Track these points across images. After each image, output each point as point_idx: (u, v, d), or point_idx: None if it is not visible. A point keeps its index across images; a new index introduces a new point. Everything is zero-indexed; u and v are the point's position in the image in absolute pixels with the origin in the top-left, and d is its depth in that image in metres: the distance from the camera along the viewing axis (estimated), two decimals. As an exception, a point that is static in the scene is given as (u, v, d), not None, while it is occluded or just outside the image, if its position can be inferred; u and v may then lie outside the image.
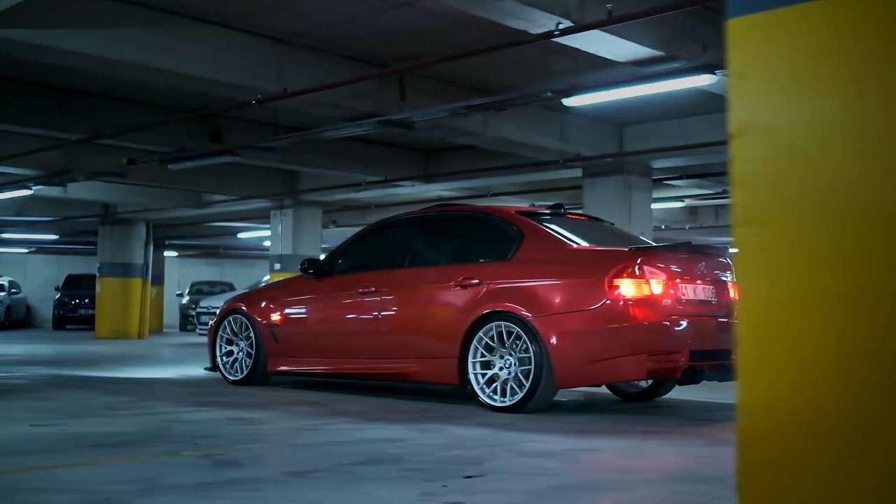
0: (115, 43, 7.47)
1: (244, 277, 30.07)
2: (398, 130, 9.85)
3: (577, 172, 12.82)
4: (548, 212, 6.87)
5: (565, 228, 6.49)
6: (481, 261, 6.58)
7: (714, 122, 10.66)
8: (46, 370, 9.71)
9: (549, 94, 7.78)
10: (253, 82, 8.42)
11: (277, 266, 16.44)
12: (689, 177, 13.95)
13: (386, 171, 14.00)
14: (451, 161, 14.29)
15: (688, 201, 14.35)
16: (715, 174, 13.87)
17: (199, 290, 28.17)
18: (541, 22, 6.70)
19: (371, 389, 7.65)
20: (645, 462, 4.43)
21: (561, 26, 6.64)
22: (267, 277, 18.11)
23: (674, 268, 6.02)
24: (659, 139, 11.71)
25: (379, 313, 6.92)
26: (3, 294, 26.37)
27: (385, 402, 6.68)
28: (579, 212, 8.08)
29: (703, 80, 7.49)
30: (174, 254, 30.55)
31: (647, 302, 5.75)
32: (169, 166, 11.75)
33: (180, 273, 31.53)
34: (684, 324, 5.90)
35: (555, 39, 6.83)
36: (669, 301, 5.86)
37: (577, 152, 11.46)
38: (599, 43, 7.17)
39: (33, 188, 14.00)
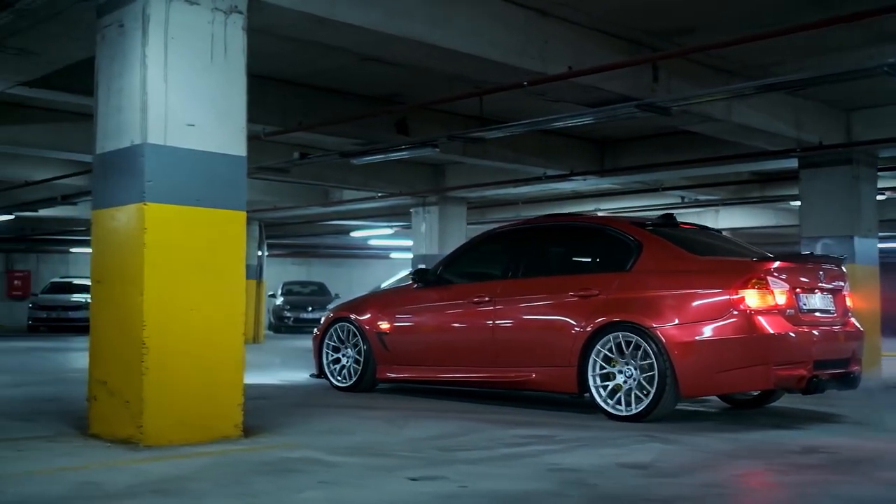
0: (386, 15, 6.42)
1: (332, 278, 29.20)
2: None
3: (788, 163, 11.61)
4: (661, 222, 6.92)
5: (682, 239, 6.60)
6: (598, 271, 6.73)
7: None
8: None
9: (885, 67, 6.56)
10: (518, 61, 7.31)
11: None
12: None
13: (562, 164, 12.90)
14: (628, 153, 13.14)
15: (888, 194, 13.09)
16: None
17: (290, 291, 27.31)
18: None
19: (479, 397, 7.73)
20: None
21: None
22: (395, 279, 17.14)
23: (796, 277, 6.14)
24: (893, 126, 10.48)
25: (494, 322, 7.02)
26: (94, 296, 25.61)
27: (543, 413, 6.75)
28: (690, 222, 7.71)
29: None
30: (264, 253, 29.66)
31: (773, 312, 5.87)
32: (353, 161, 10.69)
33: (268, 273, 30.62)
34: (808, 333, 6.03)
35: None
36: (793, 311, 6.00)
37: (819, 140, 10.25)
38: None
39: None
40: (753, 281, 5.93)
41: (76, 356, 14.28)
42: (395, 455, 5.03)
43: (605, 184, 14.76)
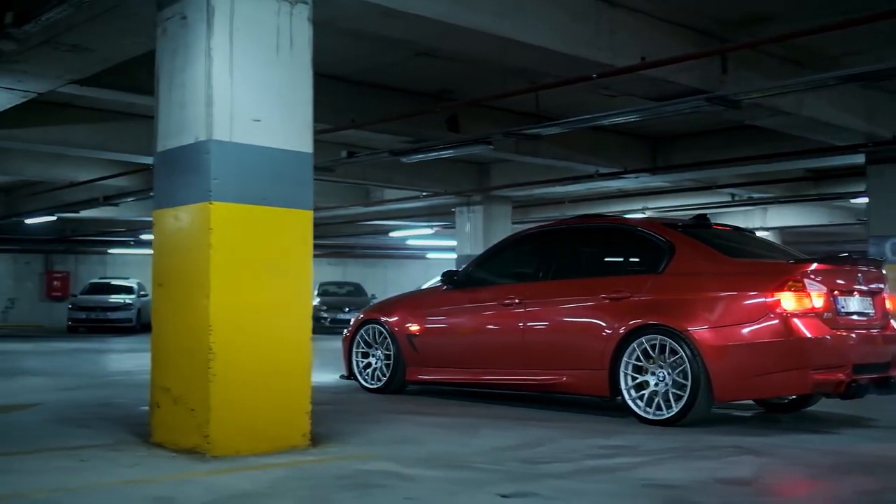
0: (454, 5, 6.16)
1: (368, 278, 28.99)
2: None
3: (851, 159, 11.21)
4: (694, 223, 6.78)
5: (716, 240, 6.47)
6: (630, 273, 6.59)
7: None
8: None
9: None
10: (587, 53, 7.02)
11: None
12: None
13: (614, 162, 12.58)
14: (682, 150, 12.79)
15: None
16: None
17: (326, 292, 27.11)
18: None
19: (521, 400, 7.60)
20: None
21: None
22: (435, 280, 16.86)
23: (834, 280, 5.98)
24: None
25: (524, 324, 6.94)
26: (133, 296, 25.58)
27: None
28: (723, 223, 7.55)
29: None
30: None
31: (810, 315, 5.74)
32: (402, 159, 10.44)
33: (303, 273, 30.50)
34: (846, 337, 5.88)
35: None
36: (831, 314, 5.85)
37: (893, 134, 9.85)
38: None
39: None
40: (790, 283, 5.80)
41: (119, 358, 14.21)
42: (475, 468, 4.76)
43: (654, 182, 14.47)
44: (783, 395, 6.62)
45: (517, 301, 7.02)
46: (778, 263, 6.16)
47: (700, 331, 5.91)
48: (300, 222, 5.37)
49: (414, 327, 7.85)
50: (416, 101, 10.16)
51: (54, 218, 18.80)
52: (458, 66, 9.08)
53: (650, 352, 6.14)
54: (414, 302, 8.26)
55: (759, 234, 19.17)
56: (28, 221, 19.90)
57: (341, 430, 5.98)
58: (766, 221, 19.03)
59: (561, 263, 7.11)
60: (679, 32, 7.68)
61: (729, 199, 16.28)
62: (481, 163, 15.01)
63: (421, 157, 10.45)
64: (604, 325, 6.42)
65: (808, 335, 5.72)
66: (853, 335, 5.96)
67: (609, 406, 6.94)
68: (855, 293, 6.10)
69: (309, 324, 5.42)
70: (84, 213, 18.67)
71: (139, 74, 8.56)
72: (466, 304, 7.52)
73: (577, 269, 7.06)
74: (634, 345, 6.19)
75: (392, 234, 22.24)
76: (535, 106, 10.08)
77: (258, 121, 5.21)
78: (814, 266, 5.96)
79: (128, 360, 13.65)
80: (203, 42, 5.10)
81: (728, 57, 7.96)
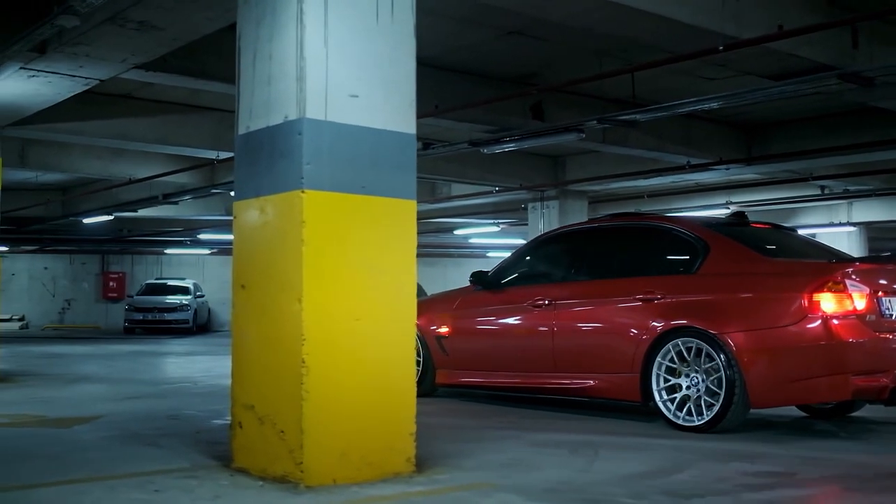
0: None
1: (426, 278, 28.26)
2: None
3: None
4: (731, 221, 6.61)
5: (753, 239, 6.25)
6: (663, 274, 6.41)
7: None
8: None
9: None
10: (709, 23, 6.22)
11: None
12: None
13: (705, 152, 11.71)
14: (778, 139, 11.87)
15: None
16: None
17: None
18: None
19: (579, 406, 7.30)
20: None
21: None
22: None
23: (877, 280, 5.73)
24: None
25: (554, 327, 6.76)
26: (189, 297, 25.24)
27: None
28: (763, 221, 7.20)
29: None
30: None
31: (851, 317, 5.54)
32: (483, 150, 9.69)
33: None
34: (891, 340, 5.67)
35: None
36: (874, 316, 5.62)
37: None
38: None
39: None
40: (830, 284, 5.56)
41: (180, 362, 13.69)
42: (617, 502, 4.00)
43: (737, 175, 13.53)
44: (823, 402, 6.39)
45: (546, 302, 6.83)
46: (817, 263, 5.93)
47: (735, 334, 5.71)
48: (403, 214, 4.65)
49: (443, 329, 7.71)
50: (499, 86, 9.42)
51: (111, 217, 18.40)
52: (548, 48, 8.33)
53: (683, 355, 5.95)
54: (443, 303, 8.06)
55: (841, 229, 18.32)
56: (85, 221, 19.57)
57: (441, 450, 5.25)
58: (851, 216, 18.00)
59: (592, 264, 6.98)
60: (807, 2, 6.83)
61: (818, 192, 15.28)
62: (556, 156, 14.25)
63: (503, 147, 9.68)
64: (636, 327, 6.23)
65: (849, 338, 5.51)
66: None
67: (644, 411, 6.63)
68: None
69: (413, 331, 4.69)
70: (142, 213, 18.27)
71: (207, 59, 7.95)
72: (496, 305, 7.33)
73: (608, 270, 6.89)
74: (668, 347, 6.00)
75: (456, 232, 21.45)
76: (625, 92, 9.30)
77: (356, 97, 4.50)
78: (856, 265, 5.77)
79: (189, 364, 13.12)
80: (294, 6, 4.40)
81: (859, 29, 7.09)
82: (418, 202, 15.43)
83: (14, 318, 28.10)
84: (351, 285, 4.45)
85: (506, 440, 5.77)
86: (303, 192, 4.32)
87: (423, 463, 4.75)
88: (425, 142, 10.53)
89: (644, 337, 6.15)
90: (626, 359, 6.24)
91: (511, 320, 7.22)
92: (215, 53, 7.73)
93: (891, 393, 5.55)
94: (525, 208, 15.33)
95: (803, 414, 6.87)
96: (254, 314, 4.64)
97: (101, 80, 7.76)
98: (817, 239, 20.18)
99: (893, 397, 5.59)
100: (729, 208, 16.03)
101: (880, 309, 5.68)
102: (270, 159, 4.54)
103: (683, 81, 8.78)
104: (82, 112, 10.44)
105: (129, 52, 6.93)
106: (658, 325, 6.09)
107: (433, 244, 26.66)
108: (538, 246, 7.67)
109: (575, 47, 7.91)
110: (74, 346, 17.10)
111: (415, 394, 4.67)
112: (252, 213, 4.66)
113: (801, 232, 17.36)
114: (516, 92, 9.06)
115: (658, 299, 6.16)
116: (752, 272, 5.92)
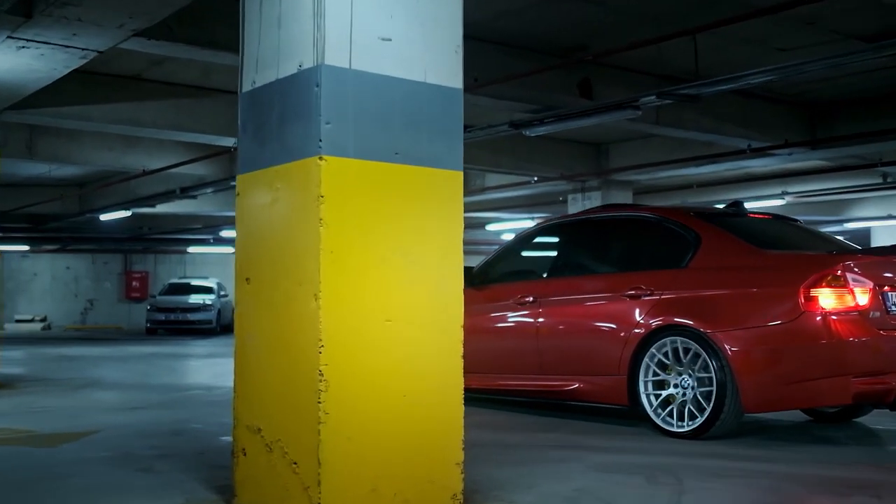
0: None
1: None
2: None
3: None
4: (726, 211, 6.27)
5: (749, 230, 5.89)
6: (652, 268, 6.00)
7: None
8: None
9: None
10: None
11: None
12: None
13: (765, 135, 10.71)
14: (846, 120, 10.83)
15: None
16: None
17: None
18: None
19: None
20: None
21: None
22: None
23: (883, 274, 5.33)
24: None
25: (539, 326, 6.43)
26: (213, 297, 24.48)
27: None
28: (763, 210, 6.95)
29: None
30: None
31: (852, 314, 5.16)
32: (526, 132, 8.75)
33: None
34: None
35: None
36: (878, 313, 5.22)
37: None
38: None
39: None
40: (829, 278, 5.16)
41: (198, 365, 12.92)
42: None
43: (800, 162, 12.50)
44: (821, 406, 6.01)
45: (531, 300, 6.46)
46: (815, 255, 5.54)
47: (725, 333, 5.34)
48: (448, 188, 3.72)
49: None
50: (543, 61, 8.46)
51: (129, 213, 17.67)
52: (601, 13, 7.38)
53: (674, 356, 5.60)
54: None
55: (891, 223, 17.20)
56: (103, 217, 18.86)
57: (489, 478, 4.33)
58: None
59: (579, 258, 6.72)
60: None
61: (879, 180, 14.20)
62: (599, 144, 13.30)
63: (547, 128, 8.73)
64: (622, 325, 5.88)
65: (850, 337, 5.12)
66: None
67: (630, 415, 6.21)
68: None
69: (460, 336, 3.76)
70: (161, 209, 17.55)
71: (217, 27, 7.11)
72: (481, 303, 6.80)
73: (595, 265, 6.61)
74: (655, 348, 5.65)
75: (489, 228, 20.48)
76: (684, 66, 8.37)
77: (388, 40, 3.57)
78: (858, 258, 5.35)
79: (207, 367, 12.32)
80: (308, -75, 3.48)
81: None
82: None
83: (36, 318, 27.61)
84: (381, 278, 3.53)
85: (565, 463, 4.84)
86: (321, 159, 3.40)
87: (470, 497, 3.83)
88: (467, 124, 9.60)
89: (631, 336, 5.81)
90: (613, 360, 5.90)
91: (496, 319, 6.80)
92: (226, 21, 6.88)
93: None
94: (563, 201, 14.40)
95: (807, 418, 6.44)
96: (261, 314, 3.73)
97: (99, 52, 6.90)
98: (872, 234, 19.18)
99: None
100: (784, 199, 14.99)
101: (886, 305, 5.26)
102: (281, 120, 3.63)
103: (753, 51, 7.82)
104: (88, 96, 9.67)
105: (125, 16, 6.06)
106: (646, 323, 5.74)
107: (465, 241, 25.77)
108: (525, 239, 7.22)
109: (631, 13, 6.96)
110: (92, 348, 16.40)
111: (462, 414, 3.75)
112: (259, 188, 3.75)
113: (856, 225, 16.13)
114: (563, 62, 8.11)
115: (646, 296, 5.79)
116: (745, 266, 5.54)
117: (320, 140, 3.41)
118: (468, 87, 7.99)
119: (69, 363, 12.63)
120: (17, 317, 27.52)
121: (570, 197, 14.06)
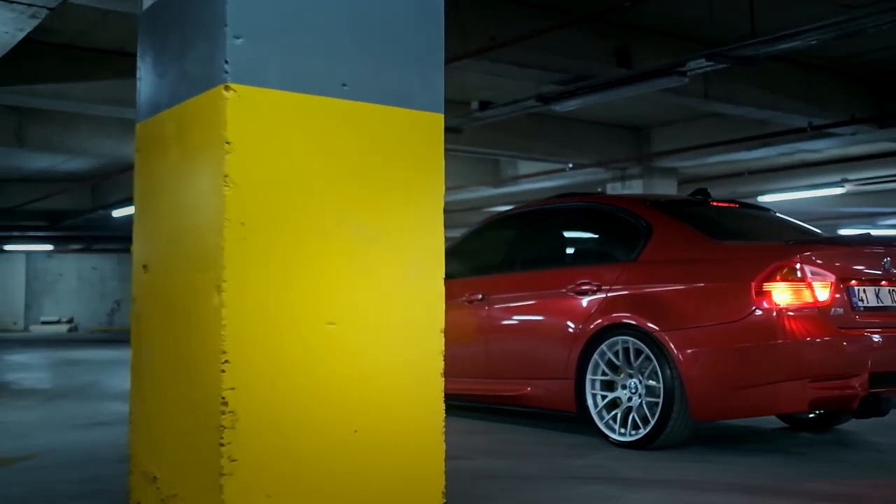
0: None
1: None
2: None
3: None
4: (686, 199, 5.80)
5: (708, 220, 5.36)
6: (600, 262, 5.55)
7: None
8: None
9: None
10: None
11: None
12: None
13: (828, 111, 9.48)
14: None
15: None
16: None
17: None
18: None
19: None
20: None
21: None
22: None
23: (847, 266, 4.83)
24: None
25: (487, 325, 6.00)
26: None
27: None
28: (730, 199, 6.25)
29: None
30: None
31: (810, 311, 4.66)
32: (555, 107, 7.63)
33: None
34: (862, 338, 4.76)
35: None
36: (841, 310, 4.73)
37: None
38: None
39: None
40: (785, 271, 4.70)
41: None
42: None
43: (866, 144, 11.21)
44: (775, 414, 5.58)
45: (480, 297, 6.04)
46: (771, 246, 5.05)
47: (673, 332, 4.89)
48: (423, 137, 2.63)
49: None
50: (573, 28, 7.35)
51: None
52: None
53: (624, 356, 5.15)
54: None
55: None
56: (115, 214, 18.06)
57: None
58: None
59: (530, 252, 6.27)
60: None
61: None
62: (639, 127, 12.18)
63: (580, 101, 7.59)
64: (568, 324, 5.42)
65: (805, 337, 4.68)
66: (874, 336, 4.80)
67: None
68: (883, 282, 4.95)
69: (440, 345, 2.66)
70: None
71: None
72: None
73: (544, 259, 6.14)
74: (601, 350, 5.19)
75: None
76: (738, 29, 7.21)
77: (328, -82, 2.49)
78: (819, 249, 4.86)
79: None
80: None
81: None
82: (478, 186, 13.23)
83: (62, 320, 27.00)
84: (320, 262, 2.44)
85: (581, 485, 3.74)
86: (227, 89, 2.34)
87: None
88: (482, 101, 8.51)
89: (578, 336, 5.37)
90: (560, 361, 5.44)
91: (448, 318, 5.82)
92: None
93: (862, 403, 4.68)
94: (601, 191, 13.28)
95: (784, 424, 5.95)
96: (159, 315, 2.67)
97: (49, 8, 5.92)
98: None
99: (864, 408, 4.73)
100: (844, 187, 13.71)
101: (851, 301, 4.80)
102: (182, 41, 2.57)
103: (819, 10, 6.66)
104: (66, 72, 8.76)
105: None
106: (592, 322, 5.29)
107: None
108: (479, 232, 6.70)
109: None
110: (104, 351, 15.61)
111: (443, 456, 2.65)
112: (157, 139, 2.69)
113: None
114: (597, 23, 6.98)
115: (592, 292, 5.36)
116: (697, 259, 5.08)
117: (226, 62, 2.33)
118: (484, 47, 6.94)
119: (64, 369, 11.78)
120: (44, 318, 26.94)
121: (608, 186, 12.97)
